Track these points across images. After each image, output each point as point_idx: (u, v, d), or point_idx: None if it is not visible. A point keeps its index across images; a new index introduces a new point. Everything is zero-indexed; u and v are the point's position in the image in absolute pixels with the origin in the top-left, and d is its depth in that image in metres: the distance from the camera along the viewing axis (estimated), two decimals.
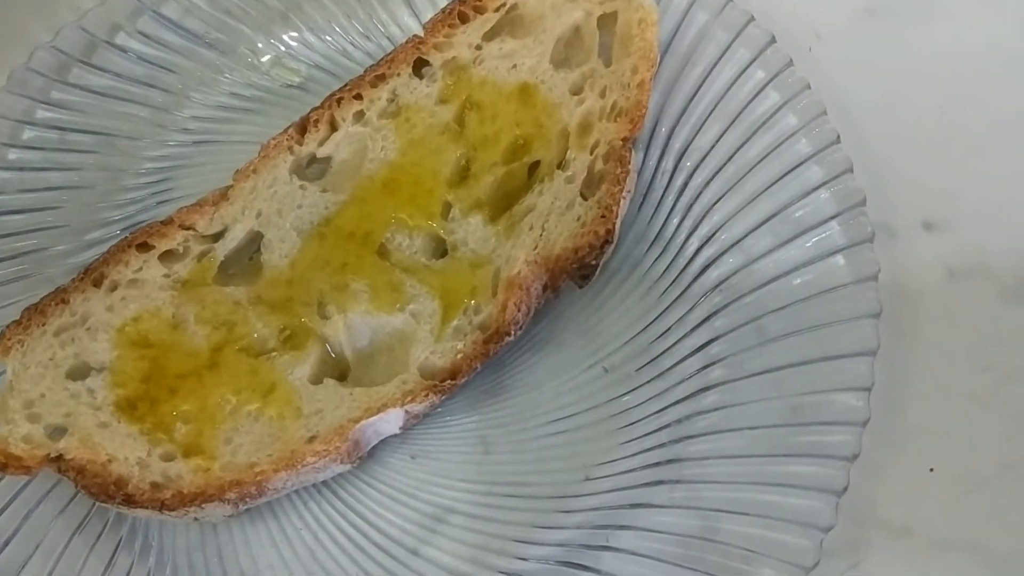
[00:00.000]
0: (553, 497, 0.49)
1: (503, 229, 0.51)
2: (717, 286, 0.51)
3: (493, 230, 0.51)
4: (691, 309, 0.51)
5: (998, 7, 0.58)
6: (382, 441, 0.51)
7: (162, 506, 0.48)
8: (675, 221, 0.53)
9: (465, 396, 0.51)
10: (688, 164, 0.54)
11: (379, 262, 0.51)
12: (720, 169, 0.53)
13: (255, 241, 0.53)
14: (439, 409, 0.51)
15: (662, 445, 0.49)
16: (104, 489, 0.48)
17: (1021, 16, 0.58)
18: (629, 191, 0.51)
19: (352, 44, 0.61)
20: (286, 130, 0.54)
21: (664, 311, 0.52)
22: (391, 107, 0.54)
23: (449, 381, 0.48)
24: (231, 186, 0.54)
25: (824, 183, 0.51)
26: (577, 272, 0.49)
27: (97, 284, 0.52)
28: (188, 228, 0.53)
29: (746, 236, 0.51)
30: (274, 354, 0.50)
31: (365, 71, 0.55)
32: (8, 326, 0.52)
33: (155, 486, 0.48)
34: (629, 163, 0.51)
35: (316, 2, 0.62)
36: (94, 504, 0.50)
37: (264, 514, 0.51)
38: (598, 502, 0.49)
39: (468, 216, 0.51)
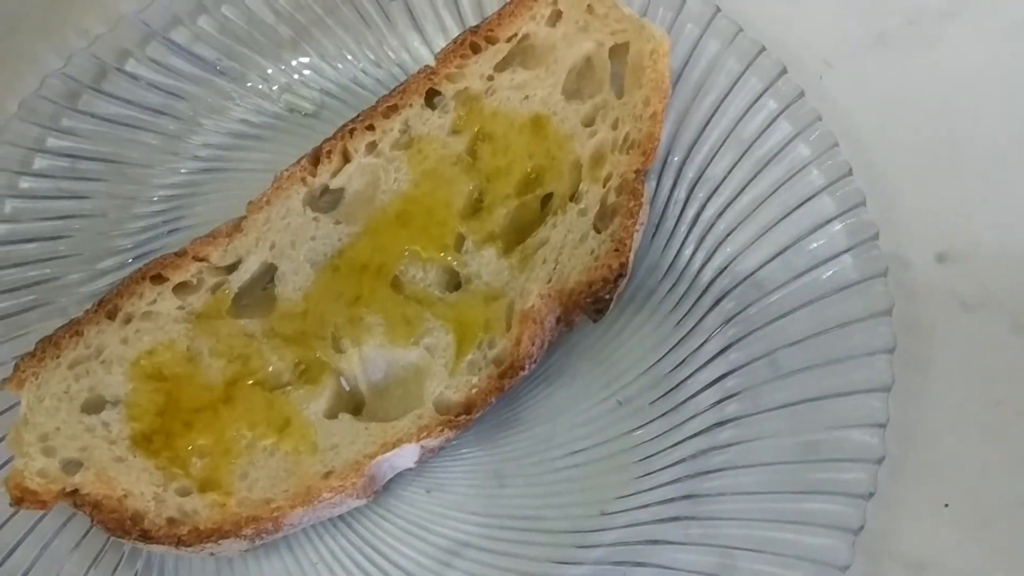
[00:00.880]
0: (569, 532, 0.49)
1: (516, 262, 0.51)
2: (732, 318, 0.51)
3: (506, 263, 0.51)
4: (705, 341, 0.51)
5: (1009, 36, 0.58)
6: (397, 474, 0.51)
7: (178, 542, 0.48)
8: (688, 252, 0.54)
9: (479, 429, 0.51)
10: (701, 195, 0.54)
11: (393, 295, 0.51)
12: (733, 200, 0.53)
13: (268, 273, 0.53)
14: (453, 442, 0.51)
15: (678, 480, 0.49)
16: (120, 524, 0.48)
17: None
18: (642, 223, 0.51)
19: (363, 72, 0.61)
20: (299, 161, 0.54)
21: (678, 343, 0.52)
22: (403, 138, 0.54)
23: (464, 416, 0.48)
24: (245, 217, 0.54)
25: (837, 216, 0.51)
26: (591, 306, 0.49)
27: (111, 316, 0.52)
28: (202, 260, 0.53)
29: (760, 268, 0.51)
30: (289, 388, 0.50)
31: (377, 101, 0.55)
32: (22, 358, 0.52)
33: (171, 522, 0.48)
34: (642, 196, 0.51)
35: (326, 29, 0.62)
36: (109, 537, 0.50)
37: (280, 548, 0.51)
38: (614, 537, 0.49)
39: (481, 249, 0.51)
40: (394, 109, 0.54)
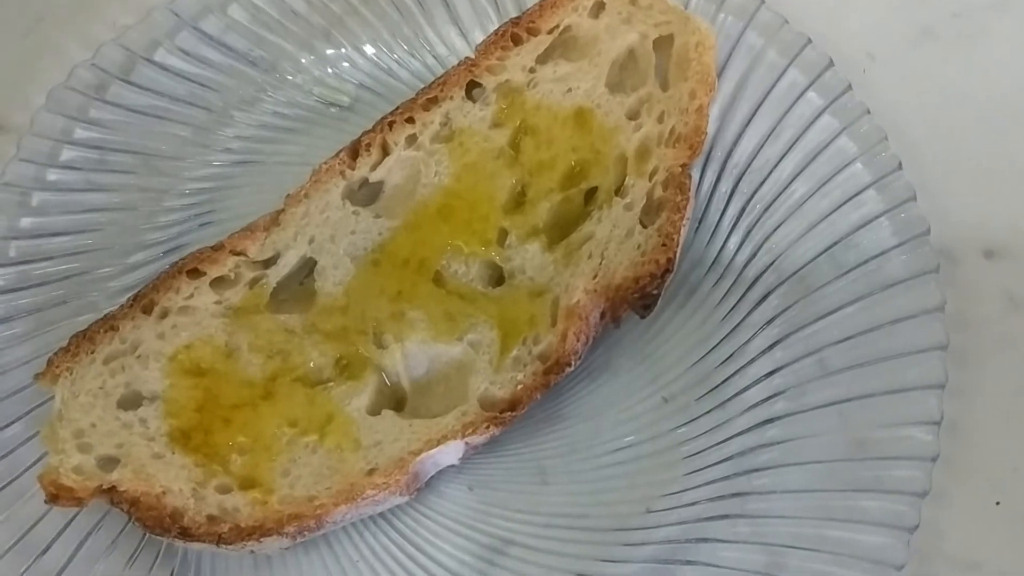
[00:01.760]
0: (615, 530, 0.49)
1: (561, 257, 0.51)
2: (778, 315, 0.51)
3: (551, 258, 0.51)
4: (751, 338, 0.51)
5: None
6: (439, 472, 0.50)
7: (219, 540, 0.47)
8: (733, 247, 0.53)
9: (522, 424, 0.51)
10: (745, 189, 0.53)
11: (435, 290, 0.50)
12: (779, 195, 0.52)
13: (307, 267, 0.52)
14: (498, 438, 0.50)
15: (725, 478, 0.48)
16: (159, 522, 0.48)
17: None
18: (688, 218, 0.51)
19: (397, 62, 0.61)
20: (337, 154, 0.54)
21: (723, 339, 0.52)
22: (444, 131, 0.54)
23: (509, 412, 0.48)
24: (282, 211, 0.53)
25: (886, 211, 0.50)
26: (638, 302, 0.49)
27: (147, 311, 0.52)
28: (239, 254, 0.52)
29: (807, 264, 0.51)
30: (330, 384, 0.50)
31: (417, 94, 0.54)
32: (56, 353, 0.51)
33: (212, 519, 0.47)
34: (689, 190, 0.50)
35: (359, 18, 0.61)
36: (145, 535, 0.50)
37: (319, 546, 0.50)
38: (661, 535, 0.48)
39: (525, 243, 0.51)
40: (434, 101, 0.54)
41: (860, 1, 0.60)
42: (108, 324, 0.52)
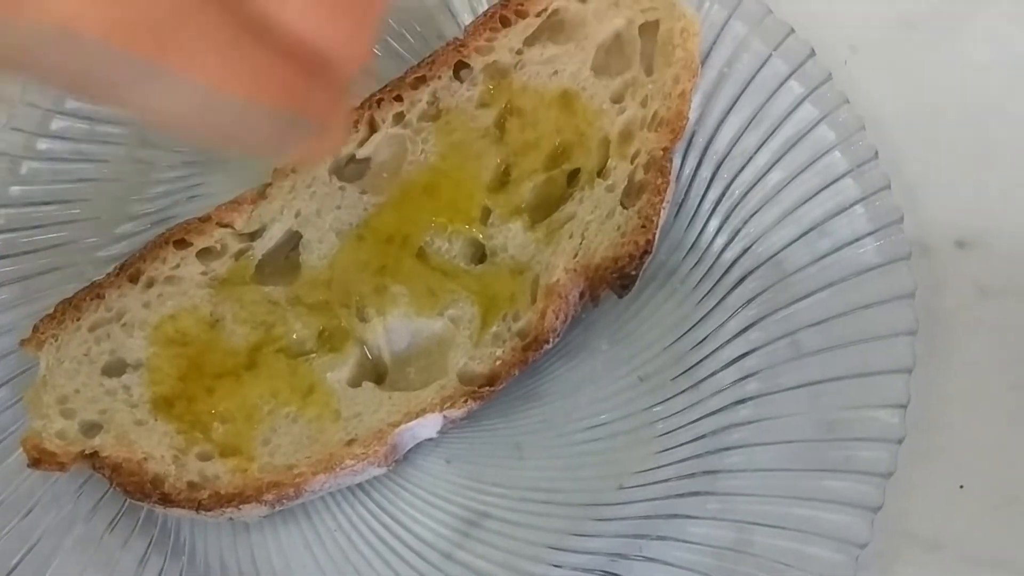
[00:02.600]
0: (587, 505, 0.50)
1: (542, 236, 0.51)
2: (753, 298, 0.51)
3: (532, 237, 0.52)
4: (727, 320, 0.52)
5: None
6: (417, 444, 0.51)
7: (199, 506, 0.48)
8: (711, 231, 0.54)
9: (500, 401, 0.51)
10: (725, 175, 0.54)
11: (418, 266, 0.51)
12: (757, 181, 0.53)
13: (293, 241, 0.53)
14: (475, 413, 0.51)
15: (696, 456, 0.49)
16: (140, 487, 0.48)
17: None
18: (668, 201, 0.52)
19: (384, 38, 0.61)
20: None
21: (699, 321, 0.53)
22: (431, 110, 0.54)
23: (487, 387, 0.49)
24: (269, 184, 0.54)
25: (861, 199, 0.51)
26: (617, 281, 0.50)
27: (133, 280, 0.52)
28: (226, 226, 0.53)
29: (783, 249, 0.52)
30: (312, 356, 0.50)
31: (405, 72, 0.55)
32: (42, 320, 0.52)
33: (192, 486, 0.48)
34: (670, 173, 0.51)
35: None
36: (125, 501, 0.51)
37: (297, 515, 0.51)
38: (632, 511, 0.49)
39: (508, 222, 0.52)
40: (422, 80, 0.54)
41: None
42: (94, 292, 0.52)
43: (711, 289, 0.53)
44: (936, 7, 0.60)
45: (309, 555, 0.51)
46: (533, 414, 0.53)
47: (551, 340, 0.49)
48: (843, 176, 0.52)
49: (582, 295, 0.51)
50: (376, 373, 0.51)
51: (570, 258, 0.50)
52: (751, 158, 0.54)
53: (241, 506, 0.48)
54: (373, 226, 0.52)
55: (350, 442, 0.48)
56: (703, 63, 0.55)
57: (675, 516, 0.48)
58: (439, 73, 0.55)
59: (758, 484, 0.48)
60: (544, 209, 0.52)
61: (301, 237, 0.53)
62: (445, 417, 0.49)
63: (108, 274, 0.53)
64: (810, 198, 0.52)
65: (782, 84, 0.55)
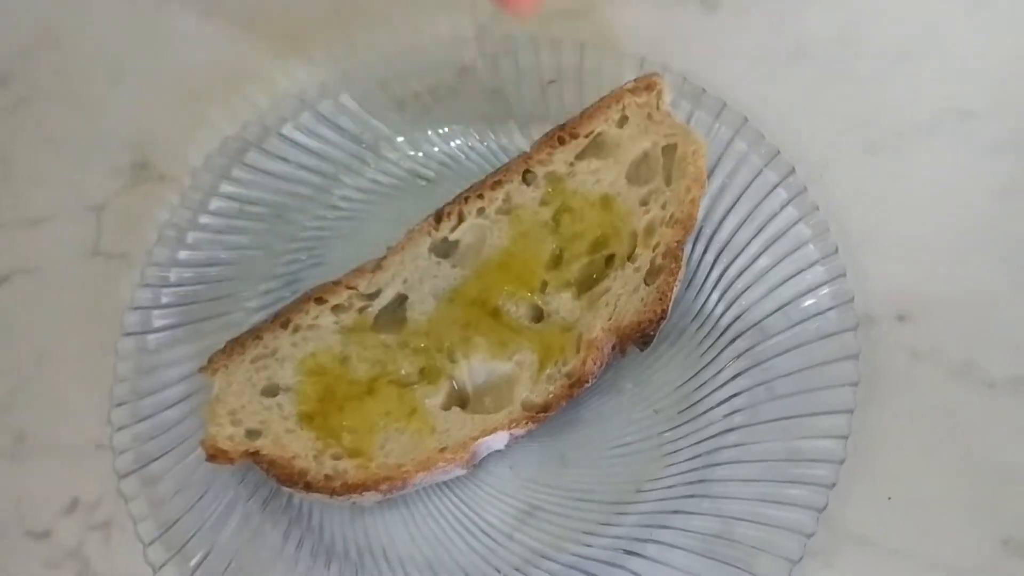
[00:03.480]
0: (613, 503, 0.61)
1: (585, 304, 0.63)
2: (742, 354, 0.63)
3: (578, 304, 0.65)
4: (721, 370, 0.63)
5: (979, 156, 0.73)
6: (489, 453, 0.62)
7: (332, 492, 0.59)
8: (712, 302, 0.65)
9: (551, 424, 0.62)
10: (724, 260, 0.68)
11: (494, 323, 0.63)
12: (749, 266, 0.67)
13: (401, 300, 0.65)
14: (533, 432, 0.63)
15: (695, 469, 0.61)
16: (289, 478, 0.60)
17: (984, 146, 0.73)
18: (680, 280, 0.67)
19: (470, 148, 0.75)
20: (427, 218, 0.69)
21: (701, 370, 0.64)
22: (505, 206, 0.66)
23: (542, 414, 0.60)
24: (384, 258, 0.68)
25: (826, 282, 0.65)
26: (640, 339, 0.65)
27: (284, 326, 0.65)
28: (352, 288, 0.67)
29: (765, 318, 0.63)
30: (415, 386, 0.62)
31: (486, 177, 0.69)
32: (215, 353, 0.66)
33: (327, 477, 0.59)
34: (682, 259, 0.65)
35: (444, 112, 0.76)
36: (276, 487, 0.62)
37: (398, 504, 0.63)
38: (646, 508, 0.60)
39: (560, 292, 0.64)
40: (499, 183, 0.67)
41: (822, 121, 0.74)
42: (254, 334, 0.64)
43: (711, 346, 0.64)
44: (893, 133, 0.74)
45: (407, 533, 0.62)
46: (576, 434, 0.64)
47: (590, 380, 0.61)
48: (813, 264, 0.66)
49: (613, 348, 0.62)
50: (461, 400, 0.62)
51: (605, 320, 0.65)
52: (745, 247, 0.65)
53: (363, 493, 0.59)
54: (461, 292, 0.64)
55: (443, 450, 0.60)
56: (710, 174, 0.70)
57: (678, 512, 0.59)
58: (512, 178, 0.69)
59: (740, 491, 0.59)
60: (587, 283, 0.64)
61: (407, 298, 0.65)
62: (511, 434, 0.60)
63: (264, 321, 0.68)
64: (788, 279, 0.65)
65: (771, 191, 0.69)
